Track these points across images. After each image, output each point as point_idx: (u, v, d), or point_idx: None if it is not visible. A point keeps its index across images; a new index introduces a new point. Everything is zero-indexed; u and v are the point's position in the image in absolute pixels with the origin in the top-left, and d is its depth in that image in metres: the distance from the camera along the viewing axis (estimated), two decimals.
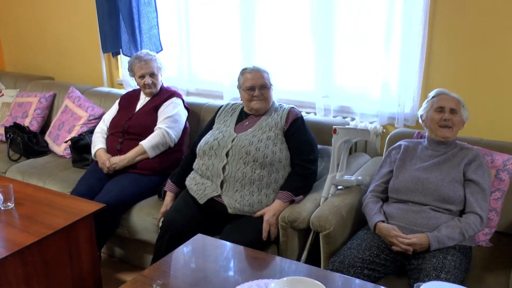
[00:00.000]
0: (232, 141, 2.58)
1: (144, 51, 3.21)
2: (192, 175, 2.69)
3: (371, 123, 3.14)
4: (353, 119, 3.20)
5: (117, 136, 3.09)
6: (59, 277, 2.30)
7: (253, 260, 2.04)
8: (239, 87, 2.75)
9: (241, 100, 2.77)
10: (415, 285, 1.47)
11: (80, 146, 3.34)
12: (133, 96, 3.27)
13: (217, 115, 2.83)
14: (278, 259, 2.07)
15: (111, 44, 3.82)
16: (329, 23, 3.11)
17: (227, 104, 2.87)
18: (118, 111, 3.22)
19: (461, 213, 2.28)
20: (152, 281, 1.85)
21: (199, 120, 3.31)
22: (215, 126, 2.76)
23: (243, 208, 2.48)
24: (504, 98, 2.79)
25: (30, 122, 3.86)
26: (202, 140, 2.69)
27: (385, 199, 2.44)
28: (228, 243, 2.16)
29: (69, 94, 3.77)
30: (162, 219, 2.64)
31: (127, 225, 2.84)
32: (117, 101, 3.30)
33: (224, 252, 2.09)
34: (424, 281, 1.97)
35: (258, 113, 2.70)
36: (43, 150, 3.67)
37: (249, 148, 2.53)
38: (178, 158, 3.08)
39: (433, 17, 2.84)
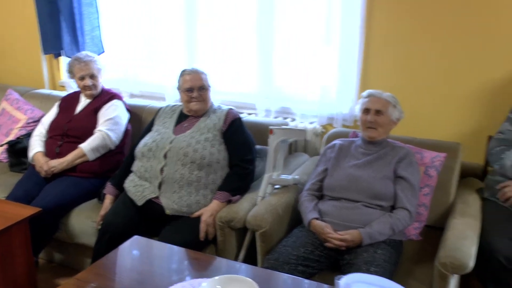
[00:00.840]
0: (170, 142, 2.60)
1: (84, 52, 3.20)
2: (130, 177, 2.69)
3: (311, 123, 3.21)
4: (293, 120, 3.27)
5: (56, 139, 3.05)
6: None
7: (191, 260, 2.05)
8: (178, 88, 2.77)
9: (181, 101, 2.79)
10: (335, 277, 1.52)
11: (17, 150, 3.28)
12: (73, 98, 3.23)
13: (157, 116, 2.84)
14: (215, 259, 2.11)
15: (53, 45, 3.78)
16: (269, 27, 3.18)
17: (167, 106, 2.89)
18: (58, 114, 3.18)
19: (392, 208, 2.36)
20: (85, 284, 1.84)
21: (141, 122, 3.30)
22: (154, 128, 2.78)
23: (181, 209, 2.50)
24: (437, 99, 2.92)
25: None
26: (141, 142, 2.71)
27: (321, 197, 2.50)
28: (165, 244, 2.16)
29: (7, 96, 3.70)
30: (101, 222, 2.64)
31: (66, 229, 2.81)
32: (57, 104, 3.26)
33: (161, 254, 2.10)
34: None
35: (196, 114, 2.73)
36: None
37: (186, 149, 2.55)
38: (119, 160, 3.07)
39: (369, 21, 2.94)
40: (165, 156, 2.57)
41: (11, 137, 3.44)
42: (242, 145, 2.66)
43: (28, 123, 3.48)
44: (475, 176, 2.81)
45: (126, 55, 3.73)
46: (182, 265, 2.03)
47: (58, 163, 2.91)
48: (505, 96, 2.73)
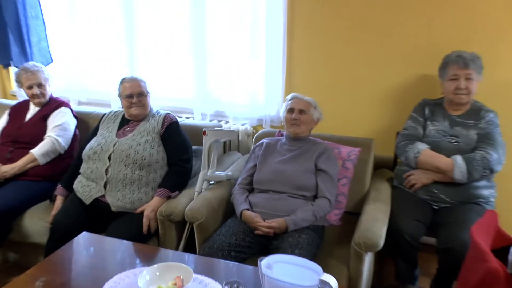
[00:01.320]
0: (114, 145, 2.64)
1: (31, 62, 3.16)
2: (79, 178, 2.71)
3: (243, 125, 3.30)
4: (227, 122, 3.35)
5: (7, 145, 3.03)
6: None
7: (135, 252, 2.11)
8: (119, 95, 2.80)
9: (122, 107, 2.83)
10: (258, 259, 1.59)
11: None
12: (22, 107, 3.20)
13: (101, 122, 2.87)
14: (158, 249, 2.16)
15: (1, 55, 3.70)
16: (202, 41, 3.27)
17: (110, 112, 2.91)
18: (8, 122, 3.15)
19: (314, 198, 2.48)
20: (35, 279, 1.87)
21: (88, 127, 3.28)
22: (99, 133, 2.80)
23: (125, 205, 2.55)
24: (352, 101, 3.07)
25: None
26: (87, 146, 2.72)
27: (251, 190, 2.59)
28: (111, 238, 2.21)
29: None
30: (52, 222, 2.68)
31: (20, 230, 2.79)
32: (7, 112, 3.22)
33: (108, 247, 2.14)
34: None
35: (137, 118, 2.77)
36: None
37: (128, 151, 2.60)
38: (69, 164, 3.02)
39: (291, 34, 3.06)
40: (109, 158, 2.60)
41: None
42: (179, 146, 2.72)
43: None
44: (386, 167, 2.98)
45: (73, 65, 3.71)
46: (127, 256, 2.07)
47: (9, 168, 2.89)
48: (410, 97, 2.90)
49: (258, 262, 1.61)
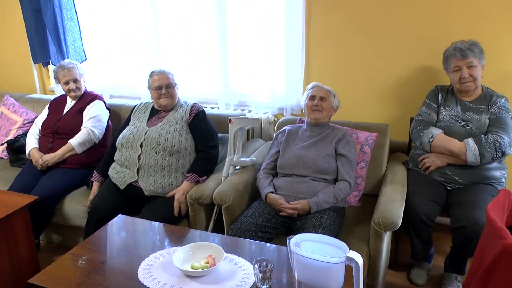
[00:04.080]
0: (145, 134, 2.57)
1: (66, 60, 3.11)
2: (113, 165, 2.65)
3: (264, 113, 3.21)
4: (249, 111, 3.25)
5: (48, 136, 2.99)
6: None
7: (167, 232, 2.06)
8: (148, 87, 2.74)
9: (152, 99, 2.76)
10: (287, 238, 1.53)
11: (16, 148, 3.20)
12: (60, 101, 3.16)
13: (132, 113, 2.80)
14: (188, 230, 2.10)
15: (41, 55, 3.66)
16: (224, 33, 3.15)
17: (140, 103, 2.84)
18: (48, 115, 3.11)
19: (335, 181, 2.39)
20: (78, 258, 1.84)
21: (120, 119, 3.24)
22: (131, 123, 2.73)
23: (157, 190, 2.49)
24: (368, 88, 2.95)
25: None
26: (120, 135, 2.66)
27: (275, 175, 2.51)
28: (145, 220, 2.16)
29: (4, 101, 3.58)
30: (90, 206, 2.62)
31: (61, 214, 2.76)
32: (47, 106, 3.18)
33: (142, 228, 2.10)
34: None
35: (166, 109, 2.70)
36: None
37: (159, 139, 2.53)
38: (103, 152, 2.99)
39: (308, 27, 2.94)
40: (141, 145, 2.54)
41: (10, 136, 3.35)
42: (206, 134, 2.64)
43: (24, 124, 3.38)
44: (401, 151, 2.87)
45: (104, 62, 3.64)
46: (160, 237, 2.03)
47: (51, 157, 2.86)
48: (422, 85, 2.78)
49: (287, 240, 1.54)
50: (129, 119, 2.79)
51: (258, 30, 3.11)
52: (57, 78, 3.08)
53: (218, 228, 2.51)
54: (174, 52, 3.41)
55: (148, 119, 2.70)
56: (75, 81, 3.04)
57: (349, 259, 1.45)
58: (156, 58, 3.41)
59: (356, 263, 1.44)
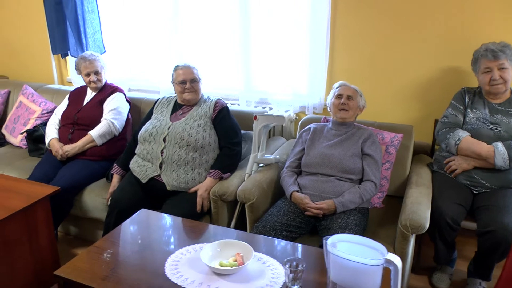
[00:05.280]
0: (168, 128, 2.53)
1: (88, 52, 3.08)
2: (135, 158, 2.62)
3: (286, 111, 3.17)
4: (270, 109, 3.21)
5: (68, 127, 2.96)
6: (18, 254, 2.19)
7: (190, 228, 2.03)
8: (172, 81, 2.70)
9: (175, 93, 2.71)
10: (323, 238, 1.49)
11: (35, 137, 3.18)
12: (81, 92, 3.13)
13: (155, 106, 2.76)
14: (211, 226, 2.07)
15: (60, 46, 3.64)
16: (247, 29, 3.11)
17: (163, 97, 2.80)
18: (68, 105, 3.08)
19: (360, 181, 2.35)
20: (103, 251, 1.82)
21: (140, 112, 3.21)
22: (153, 116, 2.70)
23: (179, 185, 2.45)
24: (392, 89, 2.90)
25: None
26: (142, 129, 2.63)
27: (299, 173, 2.47)
28: (167, 215, 2.13)
29: (23, 91, 3.56)
30: (110, 198, 2.59)
31: (80, 206, 2.73)
32: (67, 96, 3.15)
33: (165, 223, 2.06)
34: None
35: (189, 103, 2.66)
36: (0, 142, 3.48)
37: (182, 134, 2.49)
38: (122, 145, 2.99)
39: (334, 25, 2.90)
40: (164, 140, 2.50)
41: (29, 126, 3.33)
42: (229, 130, 2.61)
43: (43, 113, 3.35)
44: (424, 153, 2.82)
45: (124, 54, 3.61)
46: (185, 232, 2.00)
47: (71, 148, 2.84)
48: (448, 85, 2.73)
49: (323, 241, 1.50)
50: (151, 112, 2.75)
51: (282, 28, 3.06)
52: (78, 69, 3.05)
53: (240, 225, 2.47)
54: (196, 47, 3.37)
55: (171, 114, 2.67)
56: (96, 73, 3.01)
57: (388, 261, 1.41)
58: (177, 52, 3.37)
59: (395, 265, 1.41)
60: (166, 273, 1.67)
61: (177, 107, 2.69)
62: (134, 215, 2.12)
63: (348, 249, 1.46)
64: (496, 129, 2.38)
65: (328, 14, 2.85)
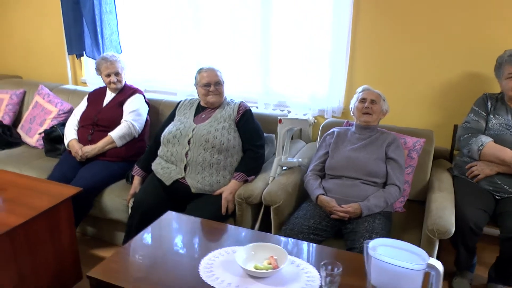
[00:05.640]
0: (193, 130, 2.54)
1: (109, 53, 3.09)
2: (157, 160, 2.62)
3: (304, 115, 3.18)
4: (289, 112, 3.21)
5: (88, 128, 2.96)
6: (42, 254, 2.19)
7: (218, 231, 2.03)
8: (196, 84, 2.70)
9: (198, 95, 2.72)
10: (364, 242, 1.51)
11: (53, 137, 3.18)
12: (100, 93, 3.13)
13: (177, 108, 2.76)
14: (239, 229, 2.08)
15: (76, 46, 3.64)
16: (268, 33, 3.13)
17: (185, 100, 2.80)
18: (87, 106, 3.08)
19: (384, 185, 2.36)
20: (134, 252, 1.82)
21: (158, 114, 3.21)
22: (176, 118, 2.70)
23: (204, 187, 2.46)
24: (411, 94, 2.92)
25: (2, 116, 3.61)
26: (165, 130, 2.63)
27: (323, 176, 2.48)
28: (194, 217, 2.13)
29: (39, 91, 3.56)
30: (131, 200, 2.57)
31: (99, 206, 2.74)
32: (86, 97, 3.15)
33: (193, 226, 2.07)
34: (359, 241, 2.06)
35: (213, 106, 2.66)
36: (16, 141, 3.46)
37: (207, 136, 2.50)
38: (141, 147, 3.00)
39: (355, 30, 2.92)
40: (188, 142, 2.51)
41: (45, 126, 3.33)
42: (253, 132, 2.61)
43: (59, 114, 3.36)
44: (444, 158, 2.83)
45: (141, 56, 3.62)
46: (213, 235, 2.00)
47: (91, 149, 2.84)
48: (468, 91, 2.76)
49: (364, 245, 1.51)
50: (173, 114, 2.75)
51: (302, 31, 3.07)
52: (98, 70, 3.05)
53: (263, 228, 2.47)
54: (215, 49, 3.38)
55: (194, 116, 2.67)
56: (117, 74, 3.02)
57: (430, 266, 1.42)
58: (195, 54, 3.39)
59: (438, 270, 1.43)
60: (201, 276, 1.67)
61: (200, 109, 2.70)
62: (161, 217, 2.11)
63: (389, 253, 1.47)
64: None
65: (349, 18, 2.87)
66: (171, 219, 2.13)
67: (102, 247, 2.88)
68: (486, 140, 2.43)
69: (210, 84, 2.62)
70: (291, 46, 3.14)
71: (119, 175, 2.85)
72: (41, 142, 3.29)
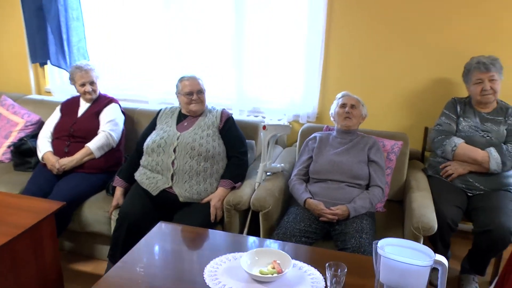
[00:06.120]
0: (177, 139, 2.53)
1: (83, 62, 3.01)
2: (141, 170, 2.58)
3: (279, 120, 3.23)
4: (264, 117, 3.24)
5: (63, 139, 2.87)
6: (25, 271, 2.10)
7: (212, 238, 2.03)
8: (177, 93, 2.69)
9: (180, 104, 2.71)
10: (373, 242, 1.56)
11: (22, 150, 3.04)
12: (73, 103, 3.04)
13: (158, 117, 2.74)
14: (237, 236, 2.11)
15: (40, 55, 3.52)
16: (240, 41, 3.17)
17: (166, 108, 2.78)
18: (61, 117, 2.98)
19: (367, 186, 2.46)
20: (134, 265, 1.80)
21: (133, 123, 3.17)
22: (158, 127, 2.67)
23: (192, 196, 2.45)
24: (382, 98, 3.05)
25: None
26: (148, 140, 2.60)
27: (307, 180, 2.54)
28: (187, 226, 2.12)
29: (2, 102, 3.40)
30: (115, 212, 2.54)
31: (79, 220, 2.66)
32: (58, 108, 3.04)
33: (187, 234, 2.06)
34: (350, 241, 2.13)
35: (195, 114, 2.66)
36: None
37: (193, 144, 2.50)
38: (118, 157, 2.96)
39: (328, 39, 3.02)
40: (174, 150, 2.49)
41: (12, 139, 3.19)
42: (237, 140, 2.64)
43: (26, 126, 3.22)
44: (416, 159, 2.98)
45: (110, 64, 3.55)
46: (210, 242, 2.00)
47: (68, 161, 2.76)
48: (435, 96, 2.93)
49: (373, 245, 1.57)
50: (154, 123, 2.73)
51: (276, 37, 3.14)
52: (72, 79, 2.97)
53: (251, 233, 2.50)
54: (186, 55, 3.37)
55: (176, 124, 2.66)
56: (92, 83, 2.95)
57: (437, 262, 1.51)
58: (166, 60, 3.37)
59: (444, 265, 1.51)
60: (207, 283, 1.68)
61: (182, 117, 2.69)
62: (154, 228, 2.09)
63: (396, 252, 1.54)
64: (488, 136, 2.58)
65: (323, 24, 2.97)
66: (164, 229, 2.11)
67: (82, 261, 2.80)
68: (459, 141, 2.59)
69: (193, 92, 2.62)
70: (265, 52, 3.19)
71: (98, 187, 2.79)
72: (8, 155, 3.15)
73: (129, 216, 2.41)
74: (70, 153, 2.81)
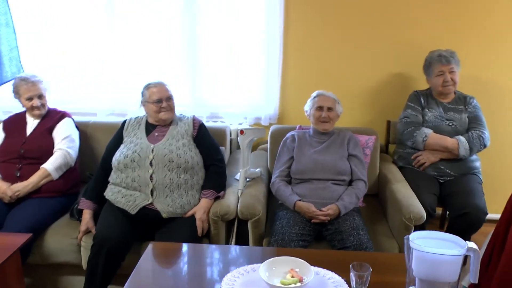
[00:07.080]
0: (152, 151, 2.34)
1: (29, 73, 2.67)
2: (114, 189, 2.35)
3: (240, 124, 3.16)
4: (223, 122, 3.15)
5: (13, 162, 2.53)
6: None
7: (215, 252, 1.92)
8: (144, 101, 2.48)
9: (147, 113, 2.51)
10: (404, 237, 1.54)
11: None
12: (18, 120, 2.69)
13: (124, 129, 2.51)
14: (241, 248, 2.01)
15: None
16: (194, 46, 3.05)
17: (130, 119, 2.57)
18: (6, 138, 2.63)
19: (350, 181, 2.45)
20: None
21: (87, 138, 2.89)
22: (126, 140, 2.45)
23: (175, 210, 2.28)
24: (344, 95, 3.00)
25: None
26: (118, 155, 2.38)
27: (289, 182, 2.48)
28: (183, 244, 1.97)
29: None
30: (85, 237, 2.29)
31: (40, 252, 2.36)
32: (0, 127, 2.68)
33: (186, 252, 1.92)
34: (349, 239, 2.12)
35: (165, 123, 2.48)
36: None
37: (170, 156, 2.33)
38: (76, 177, 2.69)
39: (286, 39, 3.00)
40: (151, 164, 2.31)
41: None
42: (212, 147, 2.51)
43: None
44: (382, 152, 3.02)
45: (48, 74, 3.17)
46: (213, 257, 1.88)
47: (23, 187, 2.43)
48: (395, 90, 3.03)
49: (404, 239, 1.55)
50: (120, 136, 2.50)
51: (232, 40, 3.05)
52: (17, 93, 2.62)
53: (240, 243, 2.42)
54: (135, 61, 3.15)
55: (147, 135, 2.46)
56: (40, 97, 2.63)
57: (470, 249, 1.52)
58: (113, 69, 3.14)
59: (477, 251, 1.52)
60: None
61: (151, 128, 2.49)
62: (146, 250, 1.91)
63: (428, 244, 1.53)
64: (453, 124, 2.70)
65: (281, 24, 2.94)
66: (159, 249, 1.93)
67: None
68: (428, 131, 2.68)
69: (162, 100, 2.44)
70: (221, 55, 3.09)
71: (59, 212, 2.50)
72: None
73: (107, 240, 2.17)
74: (23, 177, 2.48)
